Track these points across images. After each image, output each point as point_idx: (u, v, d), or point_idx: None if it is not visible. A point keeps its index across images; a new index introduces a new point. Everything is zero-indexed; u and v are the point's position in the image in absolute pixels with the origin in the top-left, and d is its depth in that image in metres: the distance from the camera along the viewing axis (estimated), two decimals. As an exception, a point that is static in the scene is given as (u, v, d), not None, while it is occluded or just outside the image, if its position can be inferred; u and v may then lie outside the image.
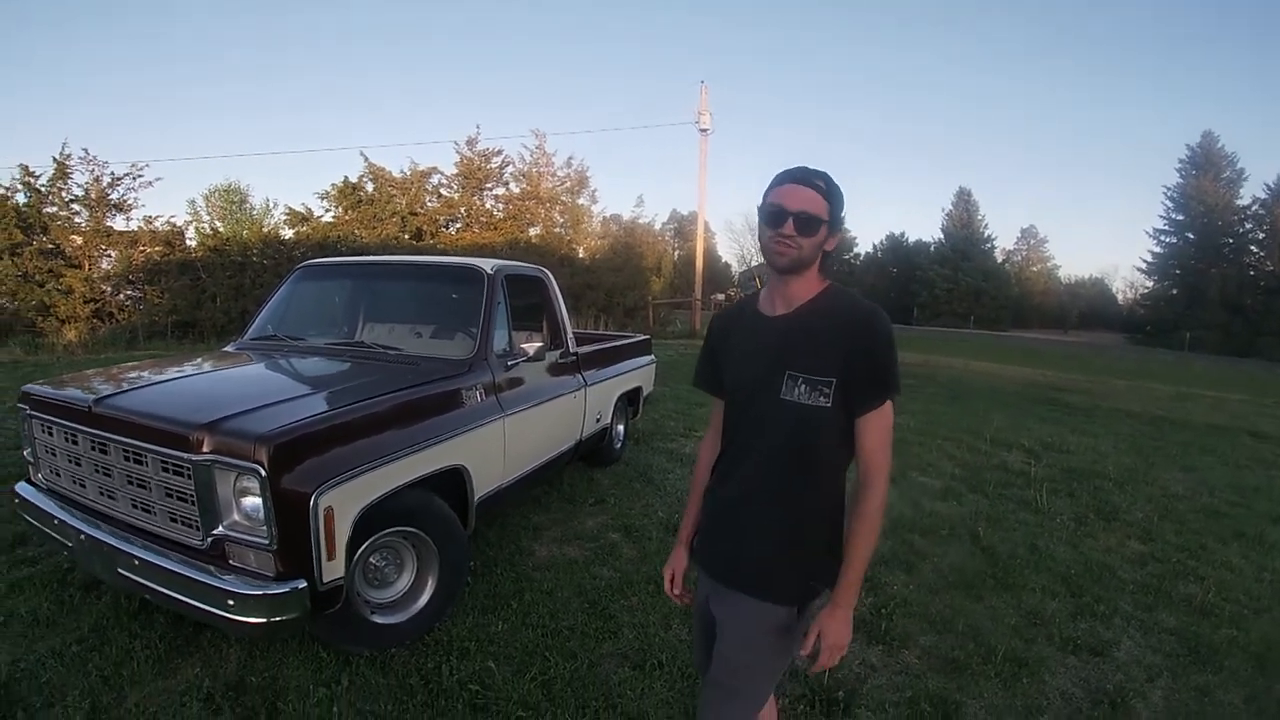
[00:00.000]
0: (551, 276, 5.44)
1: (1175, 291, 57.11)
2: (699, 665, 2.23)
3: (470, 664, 3.28)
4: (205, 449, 2.78)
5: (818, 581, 1.90)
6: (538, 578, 4.22)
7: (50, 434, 3.48)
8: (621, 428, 6.92)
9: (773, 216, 1.82)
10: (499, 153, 26.67)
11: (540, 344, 4.53)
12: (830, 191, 1.84)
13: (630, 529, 5.09)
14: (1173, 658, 3.77)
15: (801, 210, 1.79)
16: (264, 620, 2.74)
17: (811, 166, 1.86)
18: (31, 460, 3.74)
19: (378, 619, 3.34)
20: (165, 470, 2.93)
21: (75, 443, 3.32)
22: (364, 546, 3.17)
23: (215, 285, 18.35)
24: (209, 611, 2.80)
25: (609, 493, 5.93)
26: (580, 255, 28.35)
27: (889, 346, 1.80)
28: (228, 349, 4.72)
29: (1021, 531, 5.54)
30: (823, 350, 1.80)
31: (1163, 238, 59.09)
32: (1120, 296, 78.99)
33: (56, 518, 3.38)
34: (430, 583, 3.51)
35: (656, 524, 5.21)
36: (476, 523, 4.00)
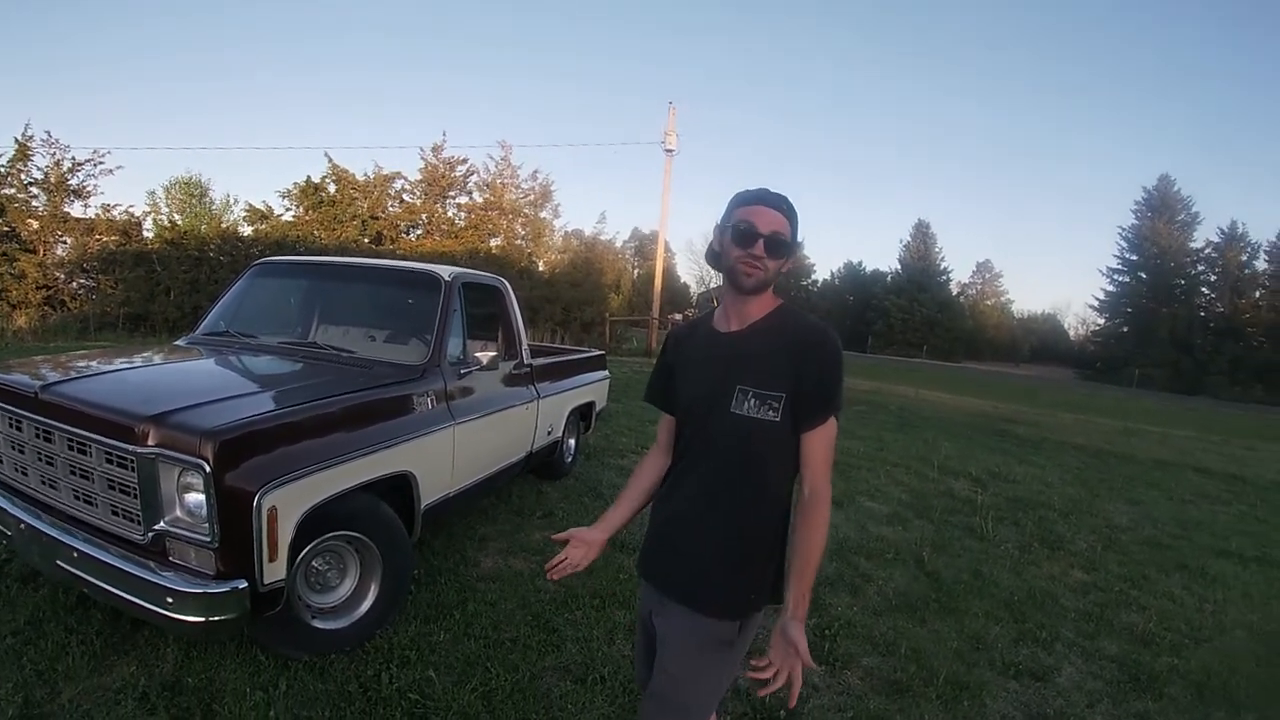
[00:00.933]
0: (509, 287, 5.42)
1: (1126, 329, 58.57)
2: (640, 679, 2.21)
3: (410, 673, 3.23)
4: (150, 441, 2.72)
5: (759, 596, 1.92)
6: (482, 589, 4.17)
7: (-5, 420, 3.39)
8: (573, 442, 6.88)
9: (744, 236, 1.83)
10: (464, 161, 26.70)
11: (494, 353, 4.49)
12: (791, 214, 1.87)
13: (577, 543, 5.01)
14: (1113, 684, 3.82)
15: (773, 233, 1.82)
16: (202, 619, 2.69)
17: (767, 189, 1.90)
18: (-29, 446, 3.63)
19: (318, 624, 3.29)
20: (109, 462, 2.86)
21: (19, 429, 3.24)
22: (307, 549, 3.11)
23: (170, 278, 18.11)
24: (147, 608, 2.74)
25: (558, 506, 5.90)
26: (540, 268, 28.37)
27: (837, 364, 1.85)
28: (179, 343, 4.63)
29: (966, 558, 5.60)
30: (774, 366, 1.83)
31: (1116, 276, 60.62)
32: (1072, 332, 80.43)
33: None
34: (373, 589, 3.46)
35: (605, 539, 5.14)
36: (422, 531, 3.96)
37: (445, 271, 4.60)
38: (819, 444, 1.83)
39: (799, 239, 1.93)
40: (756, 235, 1.81)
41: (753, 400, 1.82)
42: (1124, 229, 59.92)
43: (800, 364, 1.81)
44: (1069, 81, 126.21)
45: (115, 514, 2.92)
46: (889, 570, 5.11)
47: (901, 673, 3.66)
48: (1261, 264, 54.14)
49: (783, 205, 1.86)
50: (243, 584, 2.72)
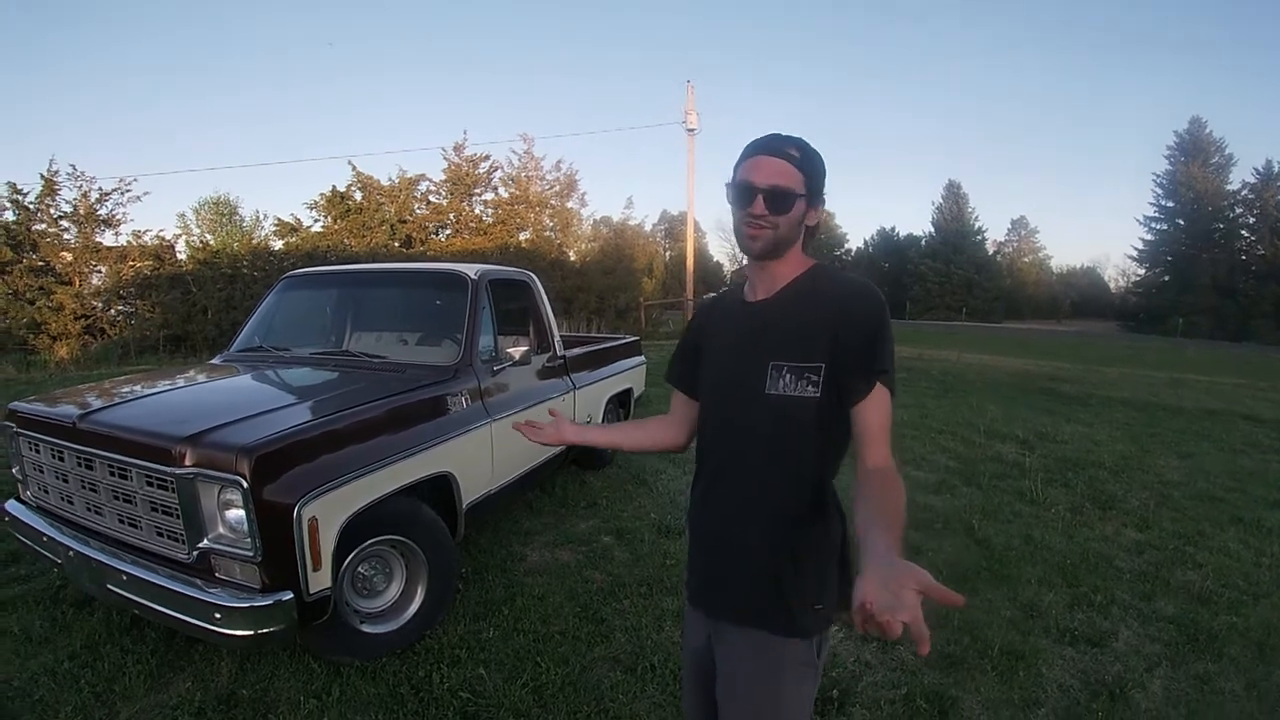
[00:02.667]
0: (537, 279, 5.42)
1: (1167, 278, 57.25)
2: (688, 713, 2.02)
3: (461, 671, 3.26)
4: (188, 462, 2.76)
5: (827, 605, 1.68)
6: (529, 583, 4.19)
7: (37, 451, 3.46)
8: (614, 430, 6.82)
9: (740, 194, 1.63)
10: (487, 158, 26.51)
11: (526, 348, 4.49)
12: (805, 159, 1.64)
13: (622, 531, 5.06)
14: (1172, 646, 3.72)
15: (772, 185, 1.60)
16: (251, 633, 2.73)
17: (784, 133, 1.66)
18: (20, 478, 3.72)
19: (367, 628, 3.33)
20: (149, 484, 2.91)
21: (61, 459, 3.30)
22: (351, 556, 3.16)
23: (206, 298, 18.22)
24: (197, 625, 2.78)
25: (601, 495, 5.90)
26: (571, 258, 28.18)
27: (882, 324, 1.57)
28: (214, 361, 4.71)
29: (1017, 523, 5.51)
30: (808, 333, 1.59)
31: (1153, 225, 59.26)
32: (1112, 285, 79.10)
33: (45, 535, 3.36)
34: (419, 591, 3.49)
35: (649, 526, 5.18)
36: (467, 529, 3.98)
37: (471, 270, 4.60)
38: (873, 416, 1.55)
39: (819, 185, 1.67)
40: (754, 191, 1.61)
41: (788, 376, 1.59)
42: (1158, 175, 58.52)
43: (839, 328, 1.56)
44: (1092, 27, 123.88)
45: (160, 535, 2.97)
46: (939, 541, 5.05)
47: (955, 645, 3.60)
48: (1301, 202, 52.84)
49: (787, 149, 1.63)
50: (288, 595, 2.75)
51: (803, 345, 1.60)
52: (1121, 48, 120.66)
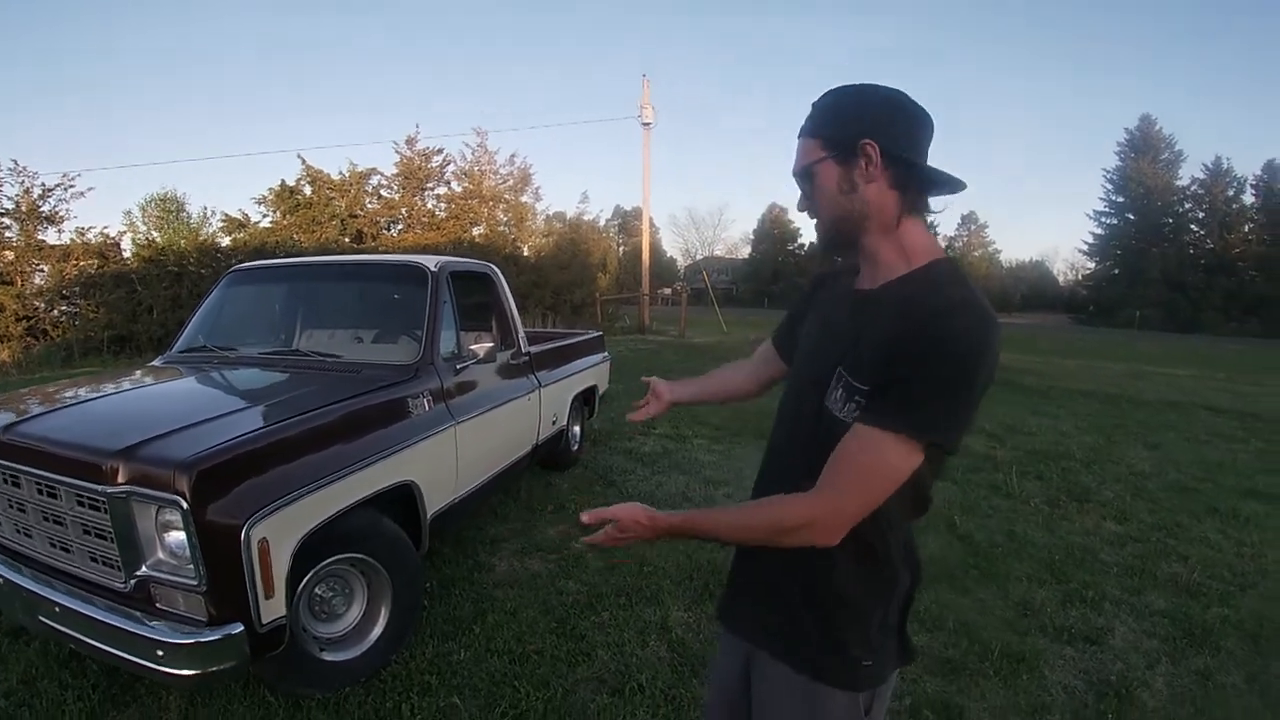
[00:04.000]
0: (499, 272, 5.19)
1: (1117, 271, 58.90)
2: None
3: (433, 700, 3.01)
4: (120, 479, 2.45)
5: (877, 663, 1.45)
6: (499, 596, 3.95)
7: (-40, 467, 3.13)
8: (578, 428, 6.68)
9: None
10: (439, 152, 26.26)
11: (490, 344, 4.25)
12: (818, 118, 1.40)
13: (594, 536, 4.81)
14: (1169, 641, 3.69)
15: (801, 169, 1.42)
16: (198, 672, 2.43)
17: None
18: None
19: (328, 656, 3.04)
20: (80, 505, 2.60)
21: None
22: (307, 578, 2.86)
23: (151, 297, 17.76)
24: (137, 663, 2.49)
25: (569, 498, 5.69)
26: (525, 253, 28.00)
27: (943, 365, 1.22)
28: (155, 364, 4.37)
29: (997, 518, 5.46)
30: (873, 345, 1.30)
31: (1103, 219, 60.98)
32: (1061, 278, 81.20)
33: None
34: (383, 612, 3.21)
35: (621, 529, 4.93)
36: (431, 540, 3.72)
37: (431, 261, 4.35)
38: (856, 449, 1.27)
39: (845, 133, 1.35)
40: (796, 180, 1.45)
41: (841, 391, 1.34)
42: (1108, 171, 60.39)
43: (896, 348, 1.25)
44: (1043, 23, 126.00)
45: (94, 561, 2.65)
46: (921, 538, 4.80)
47: (954, 649, 3.49)
48: (1249, 198, 54.55)
49: (804, 124, 1.42)
50: (238, 628, 2.46)
51: (863, 360, 1.32)
52: (1072, 44, 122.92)
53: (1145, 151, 57.46)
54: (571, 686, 3.15)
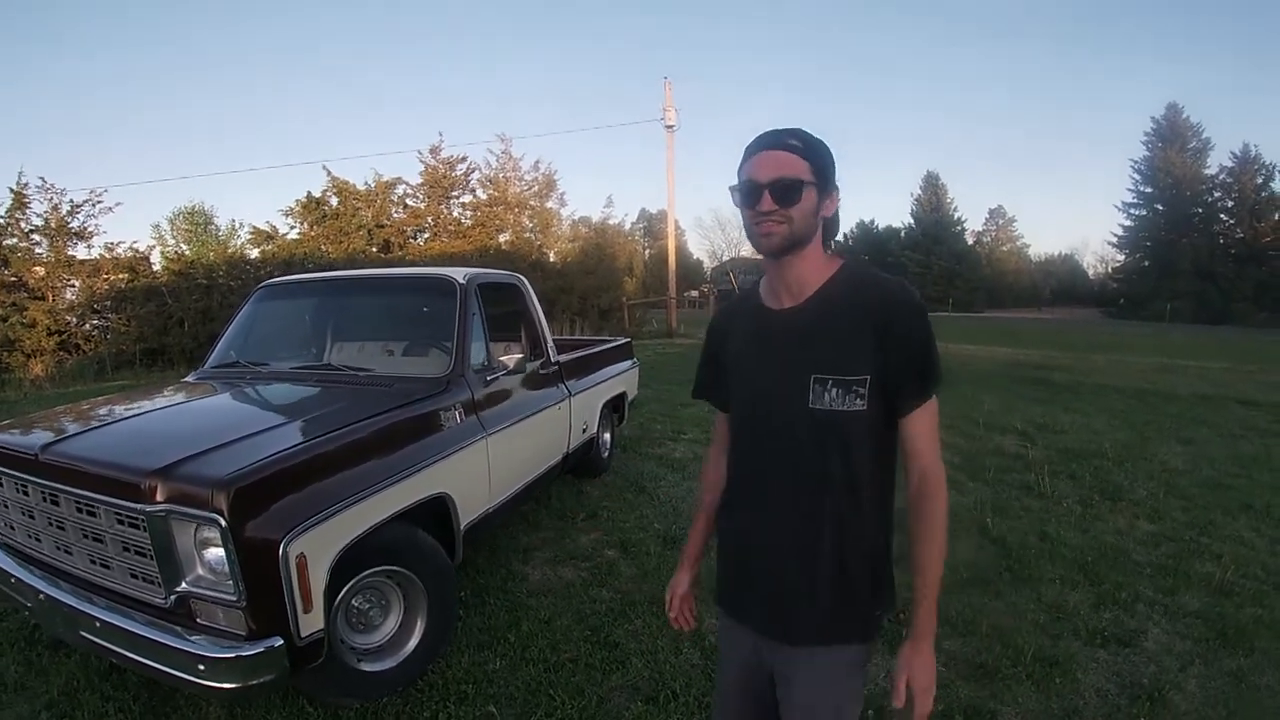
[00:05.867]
0: (527, 282, 5.23)
1: (1147, 264, 58.22)
2: None
3: (469, 709, 3.06)
4: (159, 498, 2.50)
5: (885, 609, 1.71)
6: (533, 605, 3.99)
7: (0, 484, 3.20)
8: (608, 436, 6.70)
9: (747, 194, 1.58)
10: (464, 159, 26.44)
11: (520, 355, 4.30)
12: (809, 147, 1.58)
13: (627, 544, 4.86)
14: (1202, 643, 3.65)
15: (777, 178, 1.55)
16: (239, 685, 2.48)
17: (783, 126, 1.62)
18: (-17, 514, 3.45)
19: (365, 666, 3.09)
20: (119, 523, 2.65)
21: (26, 494, 3.04)
22: (344, 591, 2.91)
23: (182, 310, 17.99)
24: (179, 677, 2.53)
25: (601, 505, 5.71)
26: (551, 259, 28.09)
27: (927, 334, 1.56)
28: (188, 379, 4.44)
29: (1029, 519, 5.41)
30: (852, 343, 1.55)
31: (1132, 211, 60.29)
32: (1091, 271, 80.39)
33: (14, 576, 3.09)
34: (420, 622, 3.26)
35: (654, 537, 4.99)
36: (465, 551, 3.75)
37: (459, 274, 4.39)
38: (923, 427, 1.58)
39: (829, 172, 1.61)
40: (759, 188, 1.56)
41: (834, 390, 1.55)
42: (1136, 161, 59.70)
43: (884, 336, 1.53)
44: (1067, 15, 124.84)
45: (134, 577, 2.71)
46: (953, 542, 4.78)
47: (986, 654, 3.48)
48: (1279, 185, 53.49)
49: (787, 140, 1.58)
50: (278, 641, 2.51)
51: (847, 358, 1.56)
52: (1096, 35, 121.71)
53: (1173, 141, 56.80)
54: (606, 694, 3.18)
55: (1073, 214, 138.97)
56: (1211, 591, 4.21)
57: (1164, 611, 3.96)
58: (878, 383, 1.53)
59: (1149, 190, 58.32)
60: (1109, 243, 66.08)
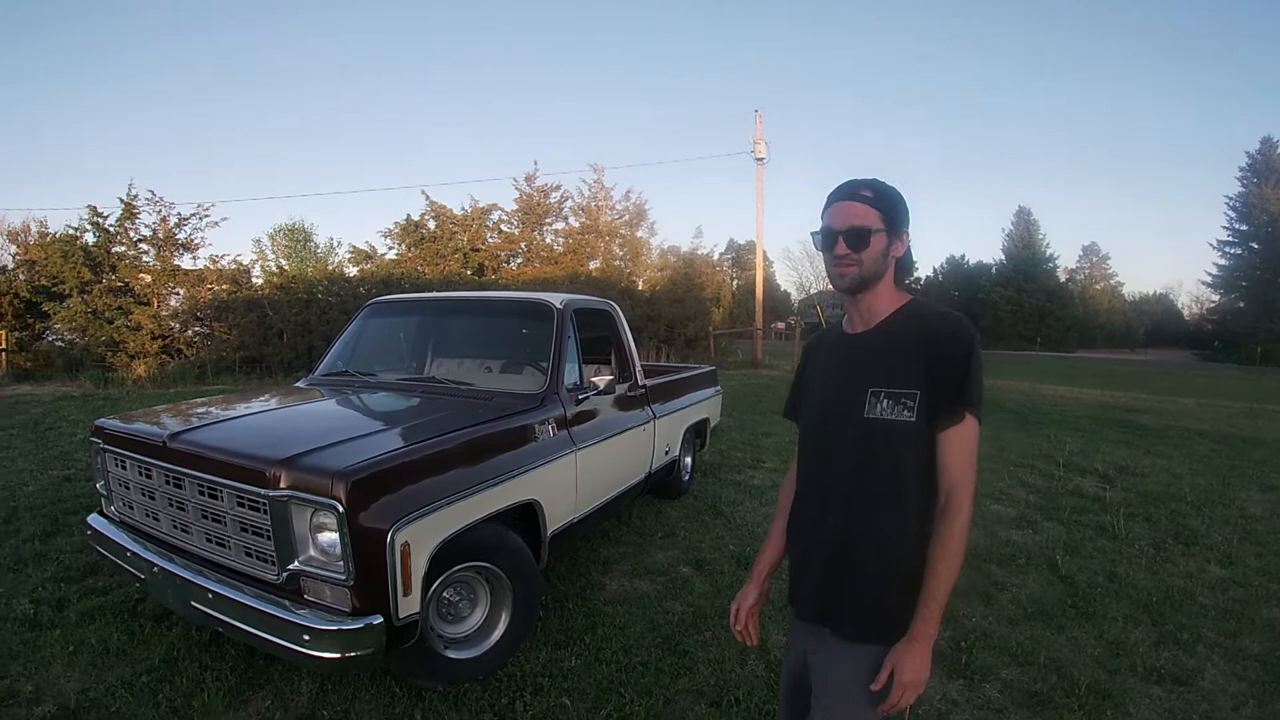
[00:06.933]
0: (619, 310, 5.46)
1: (1243, 304, 55.69)
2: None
3: (544, 700, 3.25)
4: (282, 484, 2.81)
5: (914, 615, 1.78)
6: (609, 612, 4.18)
7: (124, 468, 3.57)
8: (689, 459, 6.85)
9: (825, 240, 1.81)
10: (557, 188, 26.80)
11: (610, 377, 4.54)
12: (880, 197, 1.79)
13: (701, 562, 5.02)
14: (1258, 685, 3.63)
15: (849, 227, 1.77)
16: (339, 655, 2.74)
17: (859, 177, 1.84)
18: (104, 493, 3.82)
19: (451, 654, 3.34)
20: (240, 505, 2.97)
21: (149, 477, 3.39)
22: (438, 582, 3.17)
23: (282, 321, 18.63)
24: (284, 646, 2.82)
25: (678, 525, 5.87)
26: (640, 287, 28.14)
27: (970, 355, 1.72)
28: (299, 385, 4.82)
29: (1100, 559, 5.38)
30: (904, 361, 1.75)
31: (1227, 249, 57.85)
32: (1186, 312, 77.48)
33: (129, 550, 3.45)
34: (503, 617, 3.51)
35: (728, 557, 5.14)
36: (548, 556, 3.98)
37: (557, 299, 4.66)
38: (955, 444, 1.71)
39: (899, 218, 1.82)
40: (835, 235, 1.78)
41: (885, 401, 1.74)
42: (1230, 198, 57.16)
43: (931, 356, 1.72)
44: (1158, 49, 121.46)
45: (248, 555, 3.02)
46: (1022, 577, 4.94)
47: (1042, 683, 3.53)
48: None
49: (860, 191, 1.79)
50: (378, 619, 2.77)
51: (899, 373, 1.75)
52: (1190, 69, 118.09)
53: (1268, 176, 54.27)
54: (673, 696, 3.35)
55: (1168, 251, 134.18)
56: (1275, 637, 4.16)
57: (1223, 653, 3.95)
58: (926, 399, 1.71)
59: (1244, 228, 55.89)
60: (1203, 282, 63.54)
